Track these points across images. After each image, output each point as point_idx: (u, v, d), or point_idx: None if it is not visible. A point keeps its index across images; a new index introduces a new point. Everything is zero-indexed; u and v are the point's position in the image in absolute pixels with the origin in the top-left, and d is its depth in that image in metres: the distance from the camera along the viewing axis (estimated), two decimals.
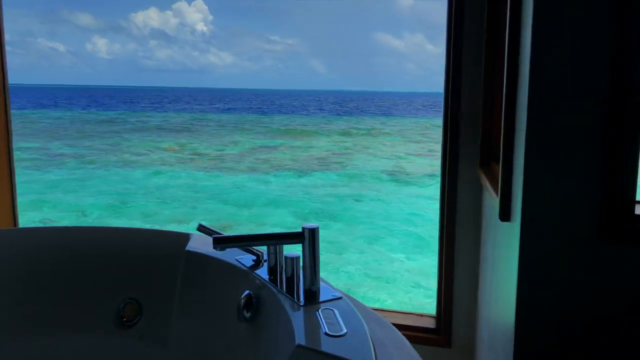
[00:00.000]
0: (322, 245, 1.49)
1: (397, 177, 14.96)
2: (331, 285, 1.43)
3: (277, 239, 1.41)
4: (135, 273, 1.84)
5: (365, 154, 19.41)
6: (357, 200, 11.93)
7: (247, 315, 1.46)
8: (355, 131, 27.05)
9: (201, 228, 1.60)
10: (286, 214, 11.01)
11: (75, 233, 1.95)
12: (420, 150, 20.26)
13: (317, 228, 1.34)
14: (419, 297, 6.83)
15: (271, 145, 21.40)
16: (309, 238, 1.33)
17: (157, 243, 1.85)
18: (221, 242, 1.35)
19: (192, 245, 1.80)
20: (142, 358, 1.80)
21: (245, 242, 1.42)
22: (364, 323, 1.23)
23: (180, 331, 1.75)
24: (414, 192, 12.84)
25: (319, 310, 1.28)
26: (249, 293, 1.47)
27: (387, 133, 26.55)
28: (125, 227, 1.93)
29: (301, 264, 1.41)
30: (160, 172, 15.40)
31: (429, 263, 7.79)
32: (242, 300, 1.47)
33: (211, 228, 1.59)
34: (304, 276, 1.36)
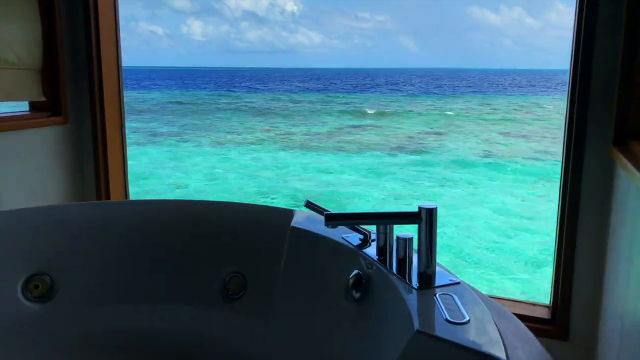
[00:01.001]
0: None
1: (489, 160, 14.33)
2: (447, 270, 1.35)
3: (391, 219, 1.34)
4: (241, 247, 1.85)
5: (457, 134, 18.79)
6: (442, 185, 11.54)
7: (356, 295, 1.41)
8: (446, 110, 26.26)
9: (309, 204, 1.57)
10: (370, 193, 10.93)
11: (183, 206, 2.00)
12: (517, 131, 19.28)
13: (435, 208, 1.26)
14: None
15: (359, 125, 21.29)
16: (426, 218, 1.25)
17: (263, 218, 1.85)
18: (333, 219, 1.31)
19: (296, 222, 1.78)
20: (246, 331, 1.82)
21: (357, 220, 1.37)
22: (488, 311, 1.15)
23: (284, 307, 1.74)
24: (502, 177, 12.23)
25: (436, 295, 1.21)
26: (358, 272, 1.43)
27: (481, 112, 25.52)
28: (232, 202, 1.95)
29: (414, 245, 1.34)
30: (249, 151, 15.84)
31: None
32: (351, 280, 1.42)
33: (319, 205, 1.56)
34: (418, 258, 1.29)
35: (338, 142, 17.57)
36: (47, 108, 2.76)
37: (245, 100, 32.96)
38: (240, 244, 1.86)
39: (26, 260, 1.80)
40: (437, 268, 1.32)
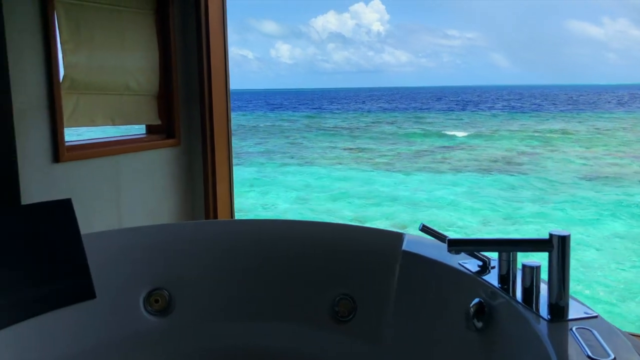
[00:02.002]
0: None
1: (595, 182, 13.38)
2: (581, 302, 1.26)
3: (519, 245, 1.28)
4: (351, 269, 1.84)
5: (556, 154, 17.80)
6: (540, 216, 10.72)
7: (479, 325, 1.35)
8: (543, 128, 25.02)
9: (425, 229, 1.53)
10: (465, 217, 10.57)
11: (291, 226, 2.03)
12: (624, 151, 17.92)
13: (569, 236, 1.18)
14: None
15: (449, 145, 20.80)
16: (558, 246, 1.18)
17: (372, 241, 1.83)
18: (456, 244, 1.26)
19: (408, 245, 1.75)
20: (355, 355, 1.80)
21: (482, 246, 1.32)
22: (633, 349, 1.05)
23: (396, 333, 1.70)
24: (614, 201, 11.31)
25: (572, 329, 1.13)
26: (480, 301, 1.37)
27: (581, 131, 24.04)
28: (340, 223, 1.95)
29: (540, 274, 1.26)
30: (336, 171, 15.94)
31: None
32: (472, 309, 1.36)
33: (436, 230, 1.52)
34: (549, 288, 1.22)
35: (428, 162, 17.26)
36: (161, 131, 2.94)
37: (332, 120, 33.38)
38: (348, 266, 1.85)
39: (148, 275, 1.90)
40: (570, 300, 1.23)
